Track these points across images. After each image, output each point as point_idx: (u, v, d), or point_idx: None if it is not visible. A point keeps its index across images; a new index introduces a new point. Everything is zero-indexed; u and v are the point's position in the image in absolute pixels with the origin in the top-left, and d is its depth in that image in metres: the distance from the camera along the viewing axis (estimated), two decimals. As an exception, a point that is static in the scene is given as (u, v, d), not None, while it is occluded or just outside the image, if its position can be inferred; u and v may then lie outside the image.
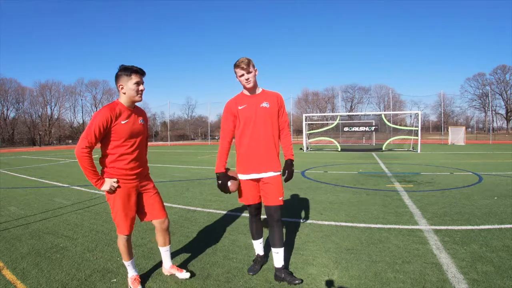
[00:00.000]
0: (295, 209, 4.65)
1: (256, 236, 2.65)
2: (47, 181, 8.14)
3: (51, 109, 65.26)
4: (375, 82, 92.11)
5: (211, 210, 4.68)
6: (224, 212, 4.54)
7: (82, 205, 5.18)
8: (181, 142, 53.47)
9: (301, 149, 21.82)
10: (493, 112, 63.52)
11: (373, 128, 21.43)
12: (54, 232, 3.71)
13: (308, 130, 22.53)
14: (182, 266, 2.72)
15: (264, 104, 2.43)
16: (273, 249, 2.48)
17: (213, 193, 6.00)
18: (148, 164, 2.52)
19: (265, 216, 2.53)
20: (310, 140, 22.14)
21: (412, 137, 20.59)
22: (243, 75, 2.36)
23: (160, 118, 74.84)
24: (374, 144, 24.84)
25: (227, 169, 2.48)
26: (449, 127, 30.79)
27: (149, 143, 2.45)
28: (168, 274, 2.56)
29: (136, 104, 2.34)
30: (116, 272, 2.61)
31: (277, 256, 2.44)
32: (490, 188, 5.93)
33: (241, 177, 2.50)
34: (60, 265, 2.75)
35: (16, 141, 56.52)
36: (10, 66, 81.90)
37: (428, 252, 2.89)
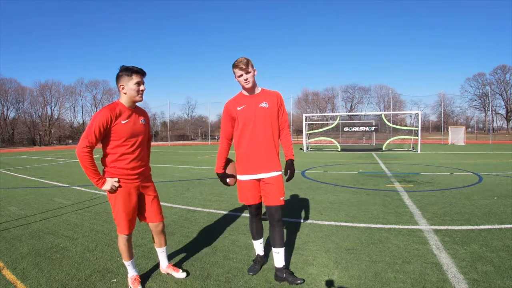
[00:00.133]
0: (295, 209, 4.65)
1: (256, 236, 2.65)
2: (47, 181, 8.14)
3: (51, 109, 65.34)
4: (375, 82, 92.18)
5: (211, 210, 4.68)
6: (224, 212, 4.54)
7: (82, 205, 5.18)
8: (181, 142, 53.48)
9: (301, 149, 21.82)
10: (493, 112, 63.54)
11: (373, 128, 21.43)
12: (54, 232, 3.71)
13: (308, 130, 22.53)
14: (183, 266, 2.72)
15: (263, 104, 2.42)
16: (273, 249, 2.48)
17: (213, 193, 6.00)
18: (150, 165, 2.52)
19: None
20: (310, 140, 22.14)
21: (412, 137, 20.59)
22: (241, 75, 2.35)
23: (160, 118, 74.87)
24: (374, 144, 24.84)
25: (228, 161, 2.58)
26: (449, 127, 30.79)
27: (149, 143, 2.45)
28: (165, 273, 2.57)
29: (137, 104, 2.35)
30: (116, 272, 2.61)
31: (278, 256, 2.44)
32: (490, 188, 5.93)
33: (241, 177, 2.50)
34: (60, 265, 2.75)
35: (16, 141, 56.53)
36: (10, 66, 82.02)
37: (428, 252, 2.89)
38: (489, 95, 54.32)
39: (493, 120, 62.17)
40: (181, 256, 2.96)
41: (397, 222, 3.86)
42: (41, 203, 5.33)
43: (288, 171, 2.49)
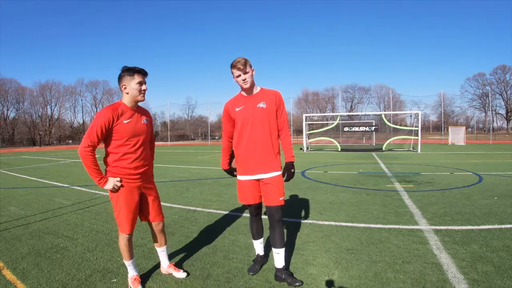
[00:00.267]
0: (295, 209, 4.65)
1: (256, 236, 2.65)
2: (47, 181, 8.14)
3: (51, 109, 65.40)
4: (375, 82, 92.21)
5: (211, 210, 4.68)
6: (224, 212, 4.54)
7: (82, 205, 5.18)
8: (181, 142, 53.47)
9: (301, 149, 21.82)
10: (493, 112, 63.55)
11: (373, 128, 21.42)
12: (54, 232, 3.71)
13: (308, 130, 22.52)
14: (183, 266, 2.72)
15: (261, 105, 2.41)
16: (273, 250, 2.47)
17: (213, 193, 6.00)
18: None
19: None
20: (310, 140, 22.13)
21: (412, 137, 20.58)
22: (239, 75, 2.35)
23: (160, 118, 74.84)
24: (374, 144, 24.83)
25: (232, 156, 2.66)
26: (449, 127, 30.79)
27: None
28: (166, 273, 2.57)
29: (139, 104, 2.37)
30: (116, 272, 2.61)
31: (278, 257, 2.44)
32: (490, 188, 5.93)
33: (241, 177, 2.50)
34: (60, 265, 2.75)
35: (16, 141, 56.55)
36: (10, 66, 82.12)
37: (428, 252, 2.88)
38: (489, 95, 54.34)
39: (493, 120, 62.20)
40: (181, 256, 2.96)
41: (397, 222, 3.86)
42: (41, 203, 5.33)
43: (286, 173, 2.49)
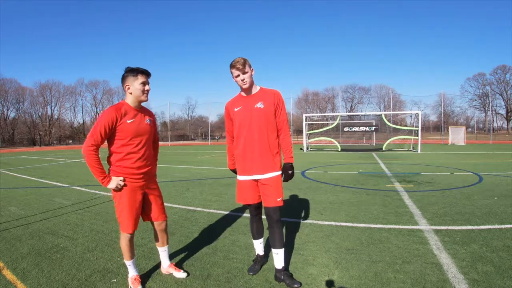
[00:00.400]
0: (295, 209, 4.65)
1: (256, 236, 2.65)
2: (47, 181, 8.14)
3: (51, 109, 65.44)
4: (375, 82, 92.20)
5: (211, 210, 4.68)
6: (224, 212, 4.54)
7: (82, 205, 5.18)
8: (181, 142, 53.48)
9: (301, 149, 21.82)
10: (493, 112, 63.56)
11: (373, 128, 21.41)
12: (54, 232, 3.72)
13: (308, 130, 22.52)
14: (183, 266, 2.72)
15: (259, 105, 2.40)
16: (273, 250, 2.47)
17: (213, 193, 6.00)
18: None
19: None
20: (310, 140, 22.13)
21: (412, 137, 20.58)
22: (238, 75, 2.35)
23: (160, 118, 74.79)
24: (374, 144, 24.83)
25: None
26: (449, 127, 30.77)
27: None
28: (166, 273, 2.58)
29: (142, 104, 2.39)
30: (117, 272, 2.61)
31: (277, 257, 2.43)
32: (490, 188, 5.93)
33: (239, 177, 2.50)
34: (60, 265, 2.75)
35: (16, 141, 56.56)
36: (10, 66, 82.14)
37: (428, 252, 2.88)
38: (489, 95, 54.36)
39: (493, 120, 62.22)
40: (181, 256, 2.96)
41: (397, 222, 3.86)
42: (41, 203, 5.33)
43: (283, 174, 2.48)
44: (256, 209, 2.58)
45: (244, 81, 2.36)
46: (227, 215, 4.42)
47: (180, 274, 2.51)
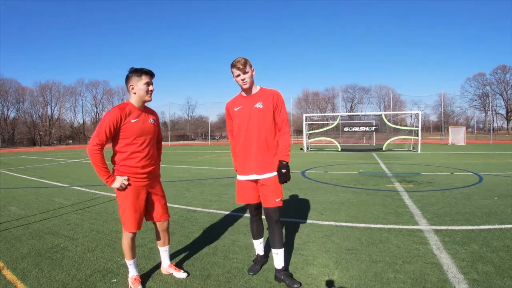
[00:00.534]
0: (295, 209, 4.65)
1: (256, 236, 2.65)
2: (47, 181, 8.14)
3: (51, 109, 65.49)
4: (375, 82, 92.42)
5: (211, 210, 4.68)
6: (224, 212, 4.54)
7: (82, 205, 5.18)
8: (181, 142, 53.48)
9: (301, 149, 21.82)
10: (493, 112, 63.58)
11: (373, 128, 21.41)
12: (54, 232, 3.72)
13: (308, 130, 22.51)
14: (183, 266, 2.72)
15: (258, 105, 2.40)
16: (273, 250, 2.47)
17: (213, 193, 6.00)
18: None
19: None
20: (310, 140, 22.13)
21: (413, 137, 20.57)
22: (239, 75, 2.35)
23: (161, 118, 74.34)
24: (374, 144, 24.83)
25: None
26: (450, 127, 30.76)
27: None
28: (166, 273, 2.58)
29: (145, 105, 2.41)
30: (117, 272, 2.61)
31: (277, 257, 2.43)
32: (490, 188, 5.93)
33: (239, 177, 2.50)
34: (60, 265, 2.75)
35: (16, 141, 56.57)
36: (10, 66, 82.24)
37: (428, 252, 2.88)
38: (489, 95, 54.41)
39: (493, 120, 62.22)
40: (181, 256, 2.96)
41: (397, 222, 3.86)
42: (41, 203, 5.34)
43: (278, 174, 2.38)
44: (256, 209, 2.58)
45: (245, 81, 2.36)
46: (227, 215, 4.42)
47: (180, 274, 2.51)
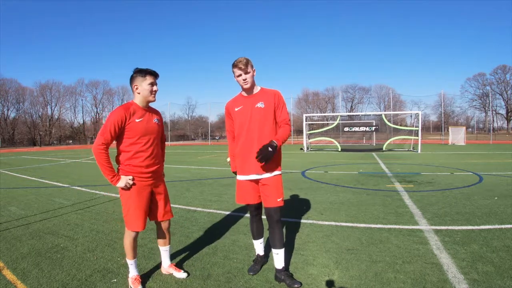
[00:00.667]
0: (295, 209, 4.65)
1: (256, 236, 2.65)
2: (47, 181, 8.14)
3: (51, 109, 65.45)
4: (376, 82, 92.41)
5: (211, 210, 4.68)
6: (224, 212, 4.54)
7: (83, 205, 5.18)
8: (181, 142, 53.48)
9: (301, 149, 21.82)
10: (494, 112, 63.58)
11: (373, 128, 21.41)
12: (54, 232, 3.72)
13: (309, 130, 22.51)
14: (183, 266, 2.72)
15: (259, 105, 2.40)
16: (273, 250, 2.47)
17: (213, 193, 6.01)
18: None
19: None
20: (310, 140, 22.13)
21: (413, 137, 20.57)
22: (240, 75, 2.35)
23: (161, 118, 74.77)
24: (374, 144, 24.83)
25: None
26: (450, 127, 30.76)
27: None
28: (166, 273, 2.58)
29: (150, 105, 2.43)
30: (117, 272, 2.61)
31: (277, 257, 2.43)
32: (490, 188, 5.93)
33: (239, 177, 2.50)
34: (60, 265, 2.75)
35: (16, 141, 56.55)
36: (10, 66, 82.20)
37: (428, 252, 2.88)
38: (490, 95, 54.42)
39: (493, 120, 62.23)
40: (181, 256, 2.96)
41: (397, 222, 3.86)
42: (41, 203, 5.34)
43: (261, 148, 2.24)
44: (256, 209, 2.57)
45: (246, 81, 2.36)
46: (227, 215, 4.42)
47: (180, 274, 2.51)
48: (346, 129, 21.68)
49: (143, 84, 2.30)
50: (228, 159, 2.70)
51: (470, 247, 2.97)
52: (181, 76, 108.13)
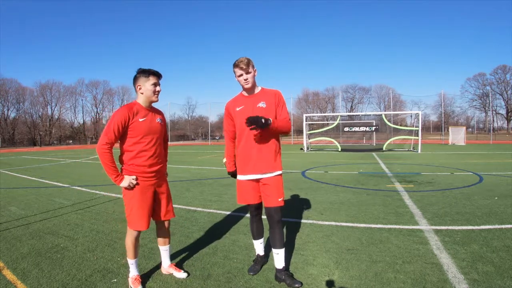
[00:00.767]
0: (295, 209, 4.65)
1: (256, 236, 2.65)
2: (47, 181, 8.14)
3: (51, 109, 65.44)
4: (376, 82, 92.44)
5: (211, 210, 4.68)
6: (225, 212, 4.54)
7: (83, 205, 5.18)
8: (181, 142, 53.46)
9: (301, 149, 21.81)
10: (494, 112, 63.56)
11: (373, 128, 21.41)
12: (54, 232, 3.72)
13: (309, 130, 22.51)
14: (183, 266, 2.72)
15: (261, 104, 2.40)
16: (273, 250, 2.47)
17: (213, 193, 6.00)
18: None
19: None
20: (310, 140, 22.13)
21: (413, 137, 20.57)
22: (241, 75, 2.36)
23: (161, 118, 74.74)
24: (374, 144, 24.83)
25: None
26: (450, 127, 30.75)
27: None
28: (166, 273, 2.58)
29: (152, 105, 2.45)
30: (117, 272, 2.61)
31: (278, 257, 2.43)
32: (490, 188, 5.93)
33: (240, 177, 2.50)
34: (60, 265, 2.75)
35: (16, 141, 56.54)
36: (10, 66, 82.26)
37: (428, 252, 2.88)
38: (490, 95, 54.41)
39: (493, 120, 62.21)
40: (181, 256, 2.96)
41: (397, 222, 3.86)
42: (42, 203, 5.34)
43: (254, 116, 2.21)
44: (256, 209, 2.58)
45: (247, 80, 2.36)
46: (227, 215, 4.42)
47: (181, 274, 2.51)
48: (346, 129, 21.68)
49: (146, 84, 2.31)
50: (224, 160, 2.69)
51: (470, 247, 2.97)
52: (181, 76, 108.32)
